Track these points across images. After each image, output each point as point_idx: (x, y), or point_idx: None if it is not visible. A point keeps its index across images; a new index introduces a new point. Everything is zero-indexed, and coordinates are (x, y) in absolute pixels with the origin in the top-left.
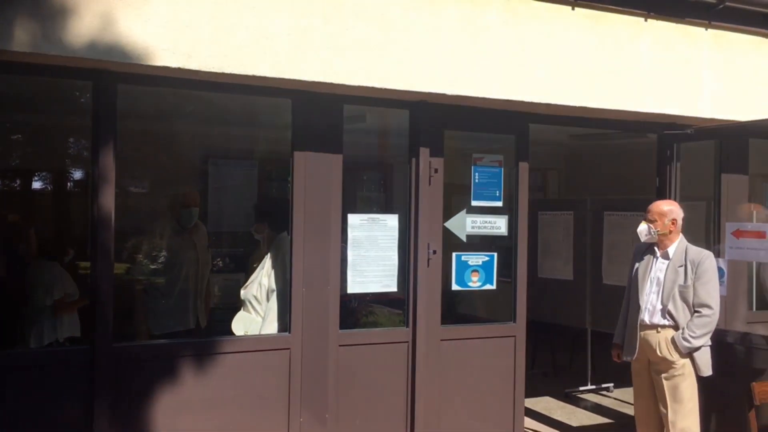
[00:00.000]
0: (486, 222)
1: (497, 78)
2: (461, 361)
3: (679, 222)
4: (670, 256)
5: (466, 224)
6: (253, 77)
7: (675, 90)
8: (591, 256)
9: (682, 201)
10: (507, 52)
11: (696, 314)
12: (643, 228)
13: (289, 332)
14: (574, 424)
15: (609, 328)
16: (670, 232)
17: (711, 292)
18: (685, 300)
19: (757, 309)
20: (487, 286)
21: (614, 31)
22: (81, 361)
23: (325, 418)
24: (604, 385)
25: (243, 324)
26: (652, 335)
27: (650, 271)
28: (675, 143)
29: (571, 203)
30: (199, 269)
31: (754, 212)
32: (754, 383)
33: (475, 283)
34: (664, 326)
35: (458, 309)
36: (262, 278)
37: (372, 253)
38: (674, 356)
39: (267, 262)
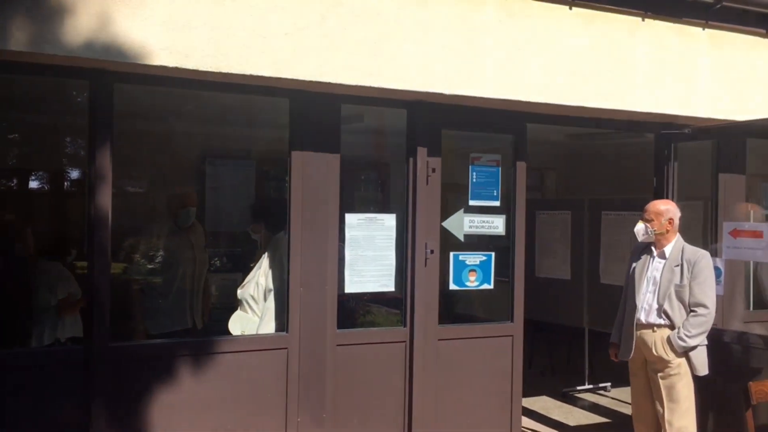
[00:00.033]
0: (483, 221)
1: (494, 77)
2: (459, 361)
3: (676, 221)
4: (667, 255)
5: (464, 224)
6: (251, 77)
7: (672, 90)
8: (588, 256)
9: (680, 200)
10: (504, 51)
11: (692, 314)
12: (640, 227)
13: (287, 332)
14: (572, 423)
15: (606, 327)
16: (667, 231)
17: (707, 291)
18: (681, 299)
19: (754, 308)
20: (485, 286)
21: (611, 31)
22: (78, 360)
23: (323, 417)
24: (601, 385)
25: (240, 324)
26: (648, 334)
27: (647, 271)
28: (672, 143)
29: (569, 203)
30: (196, 269)
31: (752, 212)
32: (751, 383)
33: (472, 282)
34: (660, 325)
35: (456, 309)
36: (259, 278)
37: (369, 252)
38: (670, 356)
39: (264, 262)
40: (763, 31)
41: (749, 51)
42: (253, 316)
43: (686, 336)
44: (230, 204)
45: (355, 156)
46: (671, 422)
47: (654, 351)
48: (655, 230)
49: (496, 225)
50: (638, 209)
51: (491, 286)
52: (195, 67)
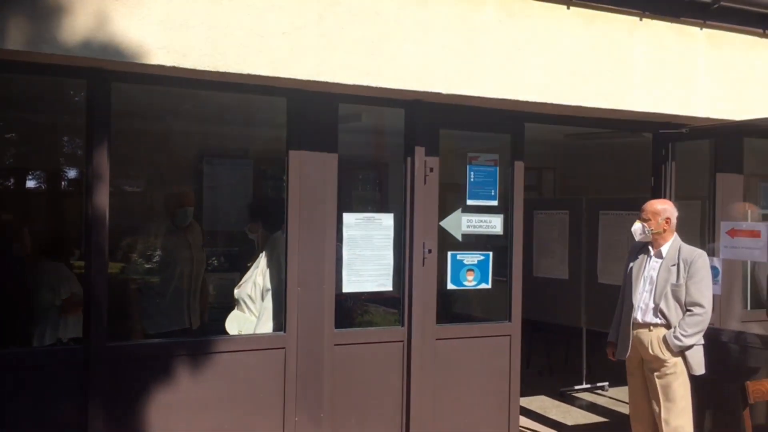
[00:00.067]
0: (481, 221)
1: (493, 77)
2: (456, 360)
3: (673, 221)
4: (664, 255)
5: (462, 223)
6: (248, 76)
7: (670, 89)
8: (586, 256)
9: (678, 200)
10: (502, 51)
11: (688, 313)
12: (637, 227)
13: (285, 331)
14: (569, 423)
15: (604, 327)
16: (664, 231)
17: (703, 291)
18: (677, 299)
19: (751, 308)
20: (483, 285)
21: (609, 31)
22: (76, 360)
23: (320, 417)
24: (599, 384)
25: (237, 323)
26: (644, 334)
27: (644, 270)
28: (670, 142)
29: (567, 202)
30: (193, 268)
31: (749, 211)
32: (748, 382)
33: (470, 282)
34: (656, 325)
35: (454, 308)
36: (257, 277)
37: (367, 252)
38: (666, 355)
39: (261, 261)
40: (761, 31)
41: (748, 51)
42: (250, 315)
43: (682, 335)
44: (228, 203)
45: (353, 155)
46: (668, 421)
47: (650, 350)
48: (652, 230)
49: (494, 224)
50: (636, 209)
51: (489, 286)
52: (192, 67)
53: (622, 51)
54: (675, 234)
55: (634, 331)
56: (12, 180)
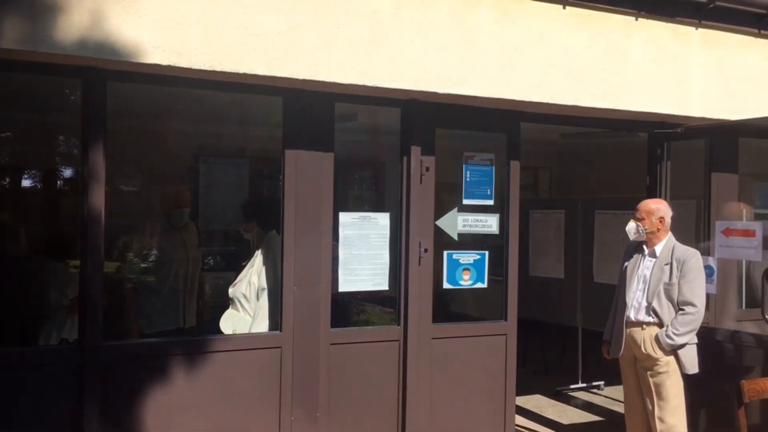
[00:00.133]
0: (477, 220)
1: (488, 76)
2: (452, 360)
3: (667, 220)
4: (657, 254)
5: (458, 223)
6: (244, 75)
7: (665, 89)
8: (582, 255)
9: (673, 199)
10: (498, 50)
11: (680, 312)
12: (631, 226)
13: (280, 330)
14: (565, 422)
15: (600, 326)
16: (658, 230)
17: (695, 290)
18: (669, 298)
19: (746, 307)
20: (479, 285)
21: (605, 30)
22: (71, 359)
23: (317, 416)
24: (594, 383)
25: (231, 322)
26: (637, 332)
27: (638, 269)
28: (665, 142)
29: (563, 202)
30: (189, 268)
31: (744, 211)
32: (743, 381)
33: (466, 281)
34: (649, 323)
35: (449, 307)
36: (252, 276)
37: (363, 251)
38: (658, 353)
39: (256, 261)
40: (756, 31)
41: (742, 50)
42: (245, 314)
43: (674, 334)
44: (224, 202)
45: (349, 154)
46: (661, 419)
47: (643, 349)
48: (646, 229)
49: (490, 224)
50: (632, 208)
51: (485, 285)
52: (188, 66)
53: (618, 51)
54: (669, 233)
55: (628, 330)
56: (8, 179)
